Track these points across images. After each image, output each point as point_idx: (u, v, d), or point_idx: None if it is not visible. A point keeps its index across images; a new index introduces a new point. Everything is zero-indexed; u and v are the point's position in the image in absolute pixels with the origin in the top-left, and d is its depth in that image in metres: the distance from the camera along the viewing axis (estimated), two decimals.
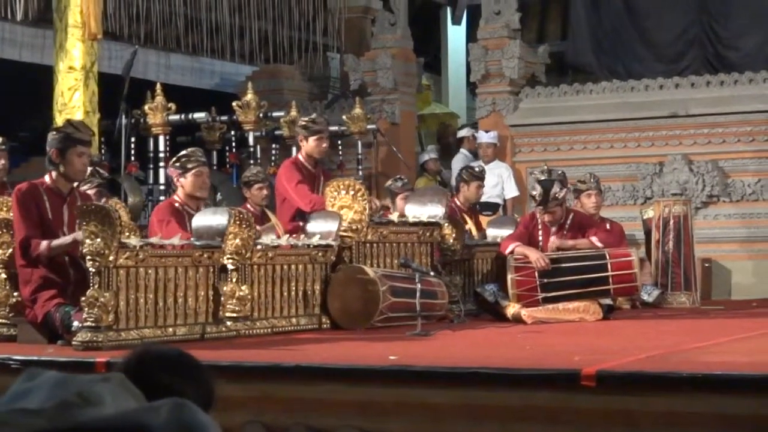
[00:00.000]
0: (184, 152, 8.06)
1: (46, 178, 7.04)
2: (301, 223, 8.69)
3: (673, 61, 14.75)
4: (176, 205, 7.92)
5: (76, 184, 7.23)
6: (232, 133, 13.22)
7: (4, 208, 7.40)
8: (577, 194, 10.69)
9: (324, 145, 9.18)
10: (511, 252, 8.92)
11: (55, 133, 7.07)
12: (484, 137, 13.53)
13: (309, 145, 9.06)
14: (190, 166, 7.89)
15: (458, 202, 10.68)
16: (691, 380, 4.62)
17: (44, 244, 6.77)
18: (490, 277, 9.58)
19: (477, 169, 10.98)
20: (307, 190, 8.87)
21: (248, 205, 10.04)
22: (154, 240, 6.93)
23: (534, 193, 9.16)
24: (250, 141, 12.86)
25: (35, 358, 5.92)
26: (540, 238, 9.15)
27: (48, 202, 6.93)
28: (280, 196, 9.15)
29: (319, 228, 8.24)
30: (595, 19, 15.41)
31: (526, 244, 8.97)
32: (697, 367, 4.96)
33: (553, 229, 9.15)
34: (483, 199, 11.90)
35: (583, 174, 10.98)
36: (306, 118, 9.27)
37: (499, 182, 13.20)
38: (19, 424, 1.16)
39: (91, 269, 6.42)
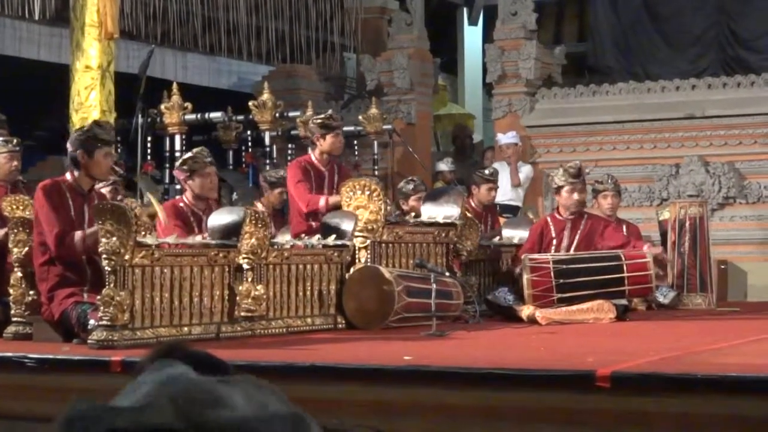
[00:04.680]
0: (189, 154, 8.03)
1: (67, 176, 7.05)
2: (314, 224, 8.71)
3: (693, 63, 14.74)
4: (180, 205, 7.91)
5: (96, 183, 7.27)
6: (249, 132, 13.24)
7: (20, 207, 7.41)
8: (594, 195, 10.69)
9: (341, 140, 9.20)
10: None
11: (80, 133, 7.07)
12: (504, 138, 13.48)
13: (327, 142, 9.05)
14: (196, 167, 7.86)
15: (473, 204, 10.69)
16: (706, 382, 4.61)
17: (79, 234, 6.80)
18: (505, 278, 9.56)
19: (488, 172, 10.99)
20: (304, 190, 8.90)
21: (258, 204, 10.01)
22: (170, 239, 6.94)
23: (569, 166, 9.23)
24: (266, 141, 12.88)
25: (51, 356, 5.93)
26: (554, 238, 9.17)
27: (71, 200, 6.96)
28: (289, 195, 9.25)
29: (335, 227, 8.24)
30: (615, 22, 15.41)
31: (537, 252, 9.03)
32: (712, 369, 4.95)
33: (568, 227, 9.15)
34: (504, 201, 11.91)
35: (601, 175, 10.99)
36: (323, 116, 9.24)
37: (523, 183, 13.20)
38: (101, 421, 1.14)
39: (107, 268, 6.44)
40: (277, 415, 1.17)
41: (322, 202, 8.77)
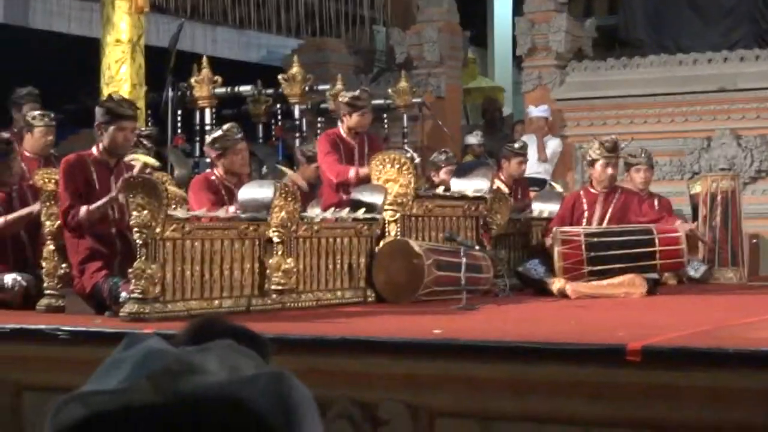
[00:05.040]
0: (219, 132, 8.00)
1: (94, 150, 7.11)
2: (344, 197, 8.72)
3: (724, 36, 14.62)
4: (212, 178, 7.92)
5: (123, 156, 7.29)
6: (278, 106, 13.25)
7: (52, 181, 7.45)
8: (627, 168, 10.65)
9: (368, 118, 9.23)
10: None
11: (99, 107, 7.16)
12: (535, 111, 13.45)
13: (352, 120, 9.10)
14: (228, 144, 7.88)
15: (503, 177, 10.67)
16: (737, 356, 4.60)
17: (83, 209, 6.84)
18: (535, 252, 9.54)
19: (517, 145, 10.97)
20: (333, 161, 8.96)
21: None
22: (200, 213, 6.96)
23: (605, 140, 9.20)
24: (296, 114, 12.88)
25: (83, 328, 5.97)
26: (585, 211, 9.15)
27: (95, 173, 7.00)
28: (321, 169, 9.27)
29: (365, 201, 8.25)
30: None
31: (568, 224, 9.02)
32: (743, 343, 4.93)
33: (600, 200, 9.13)
34: (531, 174, 11.86)
35: (635, 149, 10.94)
36: (349, 95, 9.24)
37: (552, 158, 13.17)
38: (90, 403, 1.15)
39: (138, 241, 6.47)
40: (257, 375, 1.17)
41: (351, 173, 8.81)
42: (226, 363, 1.18)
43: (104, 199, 6.85)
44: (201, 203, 7.49)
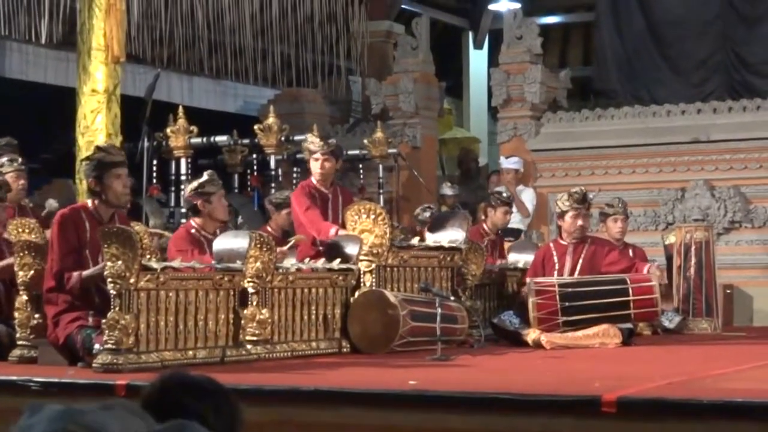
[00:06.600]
0: (202, 179, 7.93)
1: (89, 203, 7.04)
2: (321, 249, 8.66)
3: (698, 87, 14.73)
4: (193, 231, 7.83)
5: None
6: (254, 156, 13.25)
7: (26, 231, 7.40)
8: (603, 218, 10.68)
9: (319, 166, 8.92)
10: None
11: (87, 162, 7.05)
12: (505, 163, 13.49)
13: (311, 166, 9.03)
14: (213, 190, 7.84)
15: (486, 227, 10.66)
16: (712, 407, 4.60)
17: (75, 276, 6.77)
18: (510, 302, 9.54)
19: (505, 195, 10.93)
20: (315, 216, 8.76)
21: (269, 228, 10.03)
22: (175, 263, 6.92)
23: (574, 192, 9.20)
24: (272, 164, 12.87)
25: (56, 380, 5.93)
26: (556, 263, 9.17)
27: (88, 227, 6.92)
28: (296, 221, 9.09)
29: (340, 252, 8.24)
30: (620, 46, 15.41)
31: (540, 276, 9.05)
32: (718, 394, 4.94)
33: (570, 251, 9.15)
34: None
35: (611, 199, 10.99)
36: (308, 140, 9.19)
37: (531, 210, 13.19)
38: None
39: (112, 291, 6.43)
40: (160, 429, 1.18)
41: (332, 232, 8.60)
42: (128, 423, 1.19)
43: (98, 268, 6.72)
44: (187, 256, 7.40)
